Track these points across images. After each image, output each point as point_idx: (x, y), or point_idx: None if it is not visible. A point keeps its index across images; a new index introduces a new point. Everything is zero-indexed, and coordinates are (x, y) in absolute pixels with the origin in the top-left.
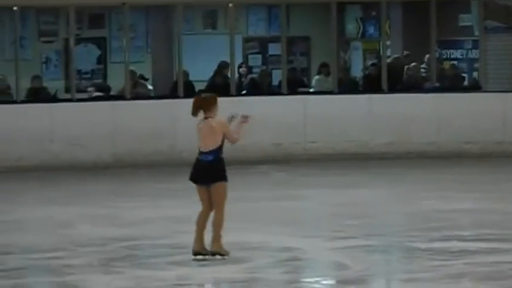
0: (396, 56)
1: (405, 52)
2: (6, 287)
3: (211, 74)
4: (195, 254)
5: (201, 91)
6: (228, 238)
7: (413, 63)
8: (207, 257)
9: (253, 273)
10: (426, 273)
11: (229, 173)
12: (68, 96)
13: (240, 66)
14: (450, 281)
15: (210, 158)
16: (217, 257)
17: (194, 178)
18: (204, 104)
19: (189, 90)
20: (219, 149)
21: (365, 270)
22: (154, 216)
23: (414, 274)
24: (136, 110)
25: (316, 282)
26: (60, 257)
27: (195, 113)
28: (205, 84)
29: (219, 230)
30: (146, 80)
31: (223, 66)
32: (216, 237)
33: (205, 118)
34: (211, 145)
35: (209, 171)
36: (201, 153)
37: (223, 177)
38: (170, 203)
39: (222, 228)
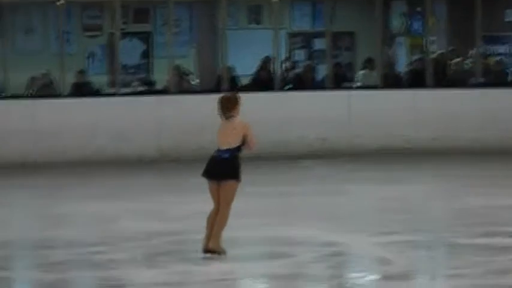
0: (441, 51)
1: (450, 47)
2: (49, 281)
3: (256, 68)
4: (205, 251)
5: (244, 86)
6: (271, 233)
7: (457, 59)
8: (216, 255)
9: (297, 268)
10: (470, 269)
11: (275, 167)
12: (112, 90)
13: (284, 61)
14: (494, 277)
15: (226, 155)
16: (208, 255)
17: (207, 172)
18: (228, 103)
19: (233, 85)
20: (237, 148)
21: (409, 266)
22: (198, 211)
23: (458, 270)
24: (180, 105)
25: (360, 277)
26: (103, 251)
27: (222, 113)
28: (249, 78)
29: (220, 228)
30: (190, 74)
31: (267, 61)
32: (216, 235)
33: (229, 117)
34: (230, 143)
35: (222, 166)
36: (218, 150)
37: (235, 176)
38: None
39: (224, 227)
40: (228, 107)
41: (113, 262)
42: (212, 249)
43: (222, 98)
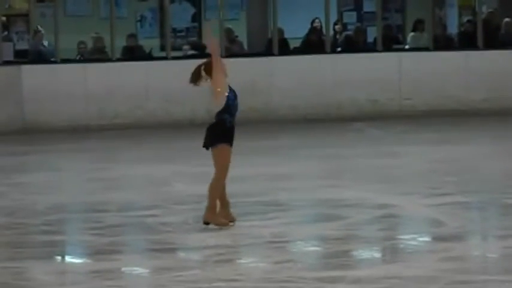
0: (491, 10)
1: (500, 7)
2: (103, 244)
3: (306, 31)
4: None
5: (296, 48)
6: (323, 195)
7: (508, 19)
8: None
9: (350, 230)
10: None
11: (324, 129)
12: (163, 54)
13: (335, 24)
14: None
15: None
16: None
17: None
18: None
19: (283, 48)
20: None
21: (461, 227)
22: (249, 173)
23: (510, 230)
24: (231, 67)
25: (412, 239)
26: (156, 214)
27: (194, 80)
28: (300, 41)
29: (210, 198)
30: (236, 37)
31: (317, 24)
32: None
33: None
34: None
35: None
36: None
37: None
38: (266, 160)
39: (215, 197)
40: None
41: (165, 225)
42: (206, 221)
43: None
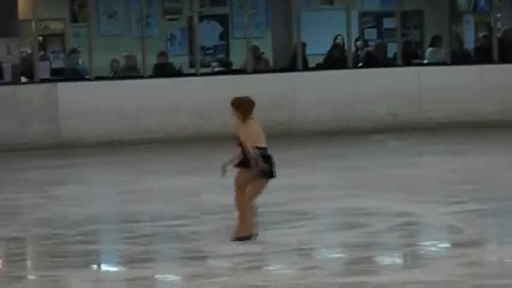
0: (507, 27)
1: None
2: (136, 253)
3: (329, 48)
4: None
5: (319, 64)
6: (345, 204)
7: None
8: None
9: (371, 237)
10: None
11: (346, 142)
12: (192, 71)
13: (356, 40)
14: None
15: None
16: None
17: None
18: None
19: (306, 64)
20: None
21: (478, 234)
22: (276, 184)
23: None
24: (257, 83)
25: (432, 245)
26: (187, 224)
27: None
28: (322, 57)
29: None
30: (262, 54)
31: (339, 40)
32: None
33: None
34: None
35: None
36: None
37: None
38: (291, 171)
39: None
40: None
41: (196, 234)
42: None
43: (249, 100)
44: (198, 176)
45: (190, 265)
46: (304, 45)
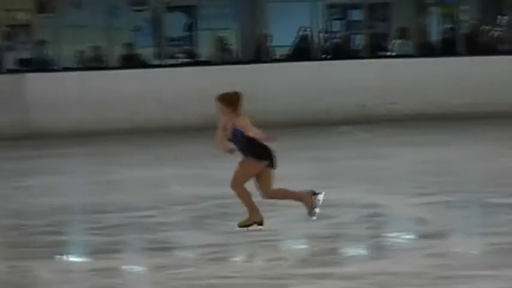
0: (472, 21)
1: (480, 16)
2: (103, 243)
3: (295, 39)
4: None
5: (284, 56)
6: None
7: (487, 27)
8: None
9: (338, 229)
10: (503, 227)
11: (313, 133)
12: (158, 62)
13: (322, 32)
14: None
15: None
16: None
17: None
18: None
19: (272, 55)
20: None
21: (445, 225)
22: None
23: (491, 228)
24: (224, 75)
25: (399, 236)
26: (153, 215)
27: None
28: (289, 49)
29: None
30: (229, 45)
31: (305, 32)
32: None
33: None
34: None
35: None
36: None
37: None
38: None
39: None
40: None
41: (162, 225)
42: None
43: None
44: (166, 167)
45: (157, 256)
46: (270, 36)
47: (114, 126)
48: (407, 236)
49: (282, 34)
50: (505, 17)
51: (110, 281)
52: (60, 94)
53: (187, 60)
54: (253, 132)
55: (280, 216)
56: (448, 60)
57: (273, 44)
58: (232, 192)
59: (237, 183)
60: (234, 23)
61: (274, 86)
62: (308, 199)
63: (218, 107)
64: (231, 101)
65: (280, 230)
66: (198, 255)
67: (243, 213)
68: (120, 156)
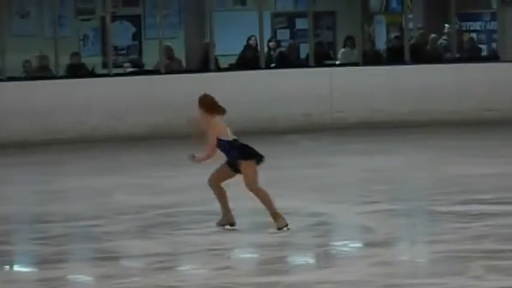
0: (419, 30)
1: (426, 25)
2: (48, 253)
3: (241, 48)
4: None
5: (231, 65)
6: (258, 204)
7: (434, 35)
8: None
9: (284, 237)
10: (449, 235)
11: (260, 142)
12: (105, 71)
13: (269, 41)
14: (472, 242)
15: None
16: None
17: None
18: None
19: (219, 65)
20: None
21: (390, 233)
22: (190, 184)
23: (437, 236)
24: (170, 84)
25: (344, 245)
26: (99, 224)
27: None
28: (235, 58)
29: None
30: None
31: (252, 41)
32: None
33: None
34: None
35: None
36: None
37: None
38: (205, 171)
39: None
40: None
41: (108, 234)
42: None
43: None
44: (112, 176)
45: (103, 265)
46: (216, 45)
47: (60, 135)
48: (353, 245)
49: (229, 43)
50: (450, 26)
51: None
52: (5, 104)
53: (134, 69)
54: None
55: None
56: (394, 69)
57: (220, 53)
58: (178, 201)
59: (253, 185)
60: (181, 32)
61: (220, 95)
62: (280, 222)
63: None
64: (210, 106)
65: (226, 239)
66: (144, 264)
67: (191, 222)
68: (66, 166)
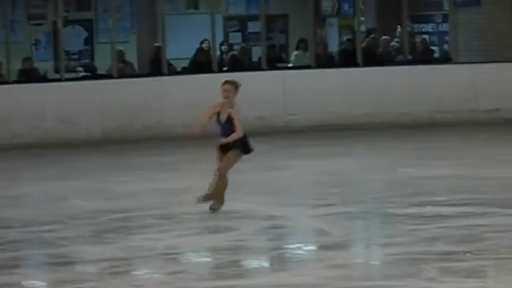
0: (371, 34)
1: (378, 27)
2: (4, 259)
3: (194, 52)
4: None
5: (184, 68)
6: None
7: (386, 37)
8: None
9: (239, 241)
10: (403, 237)
11: (214, 146)
12: (57, 76)
13: (221, 44)
14: (426, 244)
15: None
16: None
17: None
18: None
19: (172, 68)
20: None
21: (345, 236)
22: (145, 188)
23: (391, 238)
24: (123, 88)
25: (298, 248)
26: (54, 230)
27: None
28: (188, 62)
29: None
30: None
31: (204, 45)
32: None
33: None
34: None
35: None
36: None
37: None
38: (160, 176)
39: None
40: None
41: (63, 239)
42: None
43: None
44: (66, 181)
45: (58, 271)
46: (168, 49)
47: (14, 140)
48: (308, 248)
49: (181, 47)
50: (402, 28)
51: None
52: None
53: (86, 74)
54: (238, 129)
55: (181, 229)
56: (346, 72)
57: (172, 56)
58: (132, 205)
59: (225, 170)
60: (133, 36)
61: (172, 99)
62: (216, 205)
63: (225, 89)
64: (237, 88)
65: (181, 243)
66: (99, 269)
67: (146, 227)
68: (19, 171)
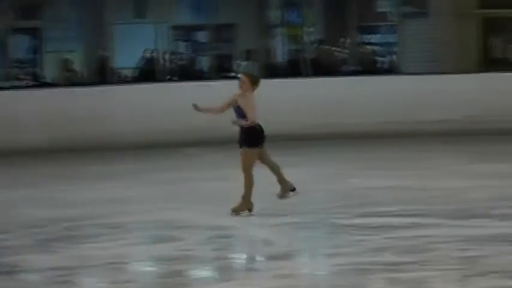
0: (317, 43)
1: (325, 37)
2: None
3: (140, 61)
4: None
5: (130, 78)
6: (160, 217)
7: (333, 48)
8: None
9: (185, 251)
10: (349, 248)
11: (161, 155)
12: (2, 84)
13: (167, 54)
14: (372, 255)
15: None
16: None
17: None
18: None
19: (118, 77)
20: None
21: (291, 246)
22: (93, 197)
23: (338, 249)
24: (69, 97)
25: (246, 258)
26: (2, 238)
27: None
28: (134, 71)
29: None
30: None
31: (150, 54)
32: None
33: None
34: None
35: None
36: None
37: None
38: (107, 184)
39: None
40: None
41: (9, 248)
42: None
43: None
44: (13, 190)
45: (3, 280)
46: (114, 58)
47: None
48: (255, 258)
49: (127, 56)
50: (347, 39)
51: None
52: None
53: (33, 82)
54: (250, 118)
55: (127, 238)
56: (293, 82)
57: (118, 65)
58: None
59: (245, 170)
60: (79, 45)
61: (118, 108)
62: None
63: (240, 80)
64: (252, 80)
65: (127, 252)
66: (44, 278)
67: (92, 236)
68: None
